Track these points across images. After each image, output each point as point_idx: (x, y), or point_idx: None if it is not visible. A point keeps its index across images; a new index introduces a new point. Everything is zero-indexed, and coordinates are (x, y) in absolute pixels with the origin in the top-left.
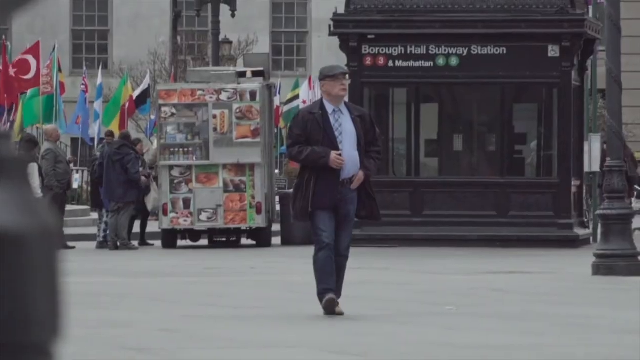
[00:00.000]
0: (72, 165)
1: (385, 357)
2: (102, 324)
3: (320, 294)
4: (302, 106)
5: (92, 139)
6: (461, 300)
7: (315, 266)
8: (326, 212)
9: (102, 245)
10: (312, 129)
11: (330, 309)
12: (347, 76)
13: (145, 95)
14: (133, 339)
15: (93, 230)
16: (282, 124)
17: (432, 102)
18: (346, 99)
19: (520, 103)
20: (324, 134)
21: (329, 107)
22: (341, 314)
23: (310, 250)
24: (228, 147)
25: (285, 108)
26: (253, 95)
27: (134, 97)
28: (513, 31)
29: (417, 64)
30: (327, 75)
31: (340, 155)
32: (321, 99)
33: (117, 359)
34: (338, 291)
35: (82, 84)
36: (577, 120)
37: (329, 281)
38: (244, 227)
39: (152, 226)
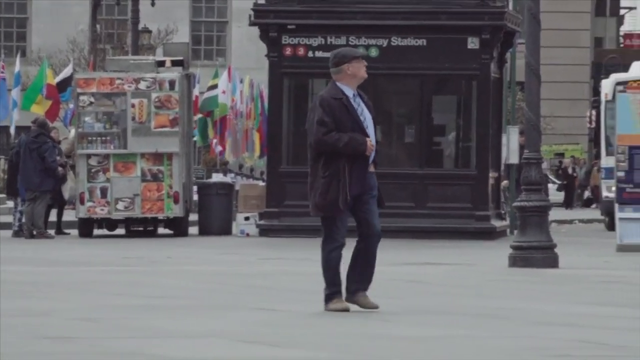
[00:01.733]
0: None
1: (298, 346)
2: (20, 313)
3: (331, 295)
4: (221, 96)
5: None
6: (380, 291)
7: (327, 265)
8: (349, 206)
9: (17, 234)
10: (341, 115)
11: (344, 310)
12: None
13: (66, 83)
14: (52, 328)
15: (9, 218)
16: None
17: None
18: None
19: (439, 95)
20: (354, 121)
21: (349, 92)
22: (376, 307)
23: (227, 240)
24: (146, 136)
25: (204, 96)
26: (172, 84)
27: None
28: (433, 23)
29: None
30: (353, 57)
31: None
32: (335, 84)
33: (37, 348)
34: (366, 283)
35: (0, 72)
36: (496, 113)
37: (339, 282)
38: (161, 216)
39: (69, 215)
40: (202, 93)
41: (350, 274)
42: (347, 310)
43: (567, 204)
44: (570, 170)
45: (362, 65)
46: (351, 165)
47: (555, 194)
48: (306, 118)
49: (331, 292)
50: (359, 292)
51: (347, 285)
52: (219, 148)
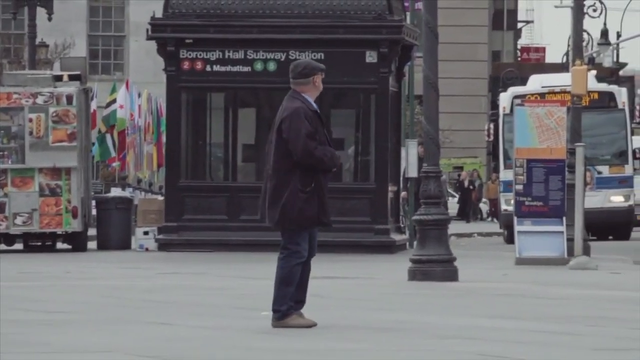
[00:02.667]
0: None
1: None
2: None
3: (288, 311)
4: (119, 110)
5: None
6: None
7: (290, 279)
8: None
9: None
10: (316, 127)
11: (312, 325)
12: None
13: None
14: None
15: None
16: (102, 127)
17: (249, 107)
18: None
19: (338, 108)
20: (323, 133)
21: (313, 104)
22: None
23: (126, 255)
24: (44, 151)
25: (104, 112)
26: (69, 99)
27: None
28: (331, 37)
29: (235, 68)
30: (320, 69)
31: None
32: (301, 95)
33: None
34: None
35: None
36: (394, 126)
37: (295, 295)
38: (59, 231)
39: None
40: (99, 107)
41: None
42: (314, 325)
43: (464, 217)
44: (466, 184)
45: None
46: (321, 183)
47: (455, 208)
48: (277, 127)
49: (289, 308)
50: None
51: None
52: (118, 163)
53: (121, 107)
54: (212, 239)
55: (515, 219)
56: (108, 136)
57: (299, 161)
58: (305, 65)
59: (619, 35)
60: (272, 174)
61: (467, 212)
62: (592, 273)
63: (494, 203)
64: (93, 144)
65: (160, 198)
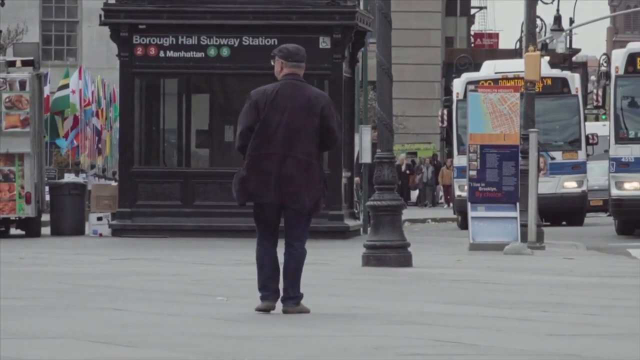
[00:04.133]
0: None
1: (152, 346)
2: None
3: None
4: (72, 96)
5: None
6: (231, 291)
7: (302, 264)
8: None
9: None
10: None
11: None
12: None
13: None
14: None
15: None
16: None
17: (203, 93)
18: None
19: None
20: None
21: None
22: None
23: (80, 240)
24: None
25: (55, 96)
26: (23, 84)
27: None
28: (284, 22)
29: (189, 54)
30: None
31: None
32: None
33: None
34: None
35: None
36: (348, 112)
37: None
38: (13, 216)
39: None
40: (52, 93)
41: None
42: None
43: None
44: (404, 168)
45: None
46: None
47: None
48: (319, 112)
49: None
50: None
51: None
52: (75, 143)
53: (73, 92)
54: (166, 225)
55: (469, 204)
56: (57, 118)
57: (331, 149)
58: (299, 49)
59: (572, 21)
60: (303, 158)
61: (405, 198)
62: (538, 258)
63: (448, 188)
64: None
65: (114, 184)
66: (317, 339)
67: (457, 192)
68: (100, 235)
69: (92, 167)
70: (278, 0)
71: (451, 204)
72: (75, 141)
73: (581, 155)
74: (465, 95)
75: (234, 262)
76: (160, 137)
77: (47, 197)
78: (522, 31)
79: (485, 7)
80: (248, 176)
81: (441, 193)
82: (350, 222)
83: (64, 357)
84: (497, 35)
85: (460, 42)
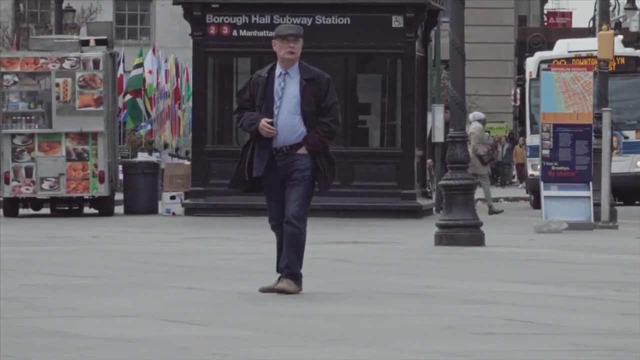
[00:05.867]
0: None
1: (226, 325)
2: None
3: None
4: (147, 75)
5: None
6: (305, 270)
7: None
8: (271, 188)
9: None
10: (255, 93)
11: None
12: (300, 39)
13: None
14: None
15: None
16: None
17: None
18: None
19: (364, 73)
20: (263, 99)
21: (278, 70)
22: (289, 292)
23: (153, 219)
24: (71, 116)
25: (129, 75)
26: (96, 63)
27: None
28: (357, 1)
29: (261, 33)
30: (277, 35)
31: (271, 122)
32: (276, 61)
33: None
34: (288, 268)
35: None
36: (421, 91)
37: (278, 261)
38: (86, 195)
39: None
40: (126, 72)
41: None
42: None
43: None
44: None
45: (285, 46)
46: (253, 146)
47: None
48: (319, 95)
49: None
50: (281, 276)
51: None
52: (148, 127)
53: (150, 72)
54: (239, 204)
55: (541, 184)
56: (139, 100)
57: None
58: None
59: None
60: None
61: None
62: (611, 237)
63: (521, 167)
64: (120, 109)
65: (187, 163)
66: (389, 318)
67: (530, 172)
68: (173, 214)
69: (166, 146)
70: None
71: (524, 183)
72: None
73: None
74: (538, 74)
75: (310, 242)
76: (233, 117)
77: (121, 176)
78: (595, 10)
79: None
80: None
81: (514, 172)
82: (422, 201)
83: (136, 334)
84: (570, 14)
85: (534, 21)
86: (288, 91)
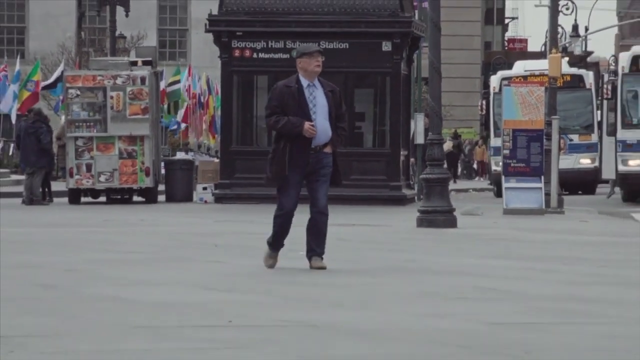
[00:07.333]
0: None
1: (249, 292)
2: (17, 265)
3: (268, 246)
4: (184, 90)
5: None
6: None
7: (274, 226)
8: (295, 180)
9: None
10: (288, 101)
11: (271, 266)
12: (322, 55)
13: (57, 80)
14: (43, 278)
15: (11, 189)
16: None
17: None
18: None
19: (359, 88)
20: (299, 106)
21: (304, 82)
22: (323, 267)
23: (188, 206)
24: (122, 122)
25: (168, 90)
26: (143, 80)
27: (50, 81)
28: (354, 30)
29: (277, 56)
30: (304, 53)
31: (312, 125)
32: (297, 75)
33: (30, 294)
34: (319, 249)
35: (4, 71)
36: (405, 102)
37: (276, 242)
38: (135, 187)
39: (60, 186)
40: (166, 86)
41: (307, 240)
42: (270, 267)
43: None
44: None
45: (313, 61)
46: (291, 145)
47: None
48: (336, 103)
49: (268, 244)
50: (313, 256)
51: (307, 249)
52: (184, 125)
53: (188, 89)
54: (258, 193)
55: (503, 177)
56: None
57: (268, 129)
58: (296, 50)
59: (587, 29)
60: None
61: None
62: (559, 221)
63: (481, 164)
64: (162, 115)
65: (216, 160)
66: (379, 286)
67: (494, 167)
68: (205, 202)
69: (199, 146)
70: (349, 12)
71: (484, 177)
72: (184, 123)
73: (594, 138)
74: (500, 89)
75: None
76: (253, 123)
77: (163, 171)
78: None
79: (517, 17)
80: None
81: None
82: (406, 192)
83: (176, 299)
84: (526, 40)
85: (497, 46)
86: (318, 100)
